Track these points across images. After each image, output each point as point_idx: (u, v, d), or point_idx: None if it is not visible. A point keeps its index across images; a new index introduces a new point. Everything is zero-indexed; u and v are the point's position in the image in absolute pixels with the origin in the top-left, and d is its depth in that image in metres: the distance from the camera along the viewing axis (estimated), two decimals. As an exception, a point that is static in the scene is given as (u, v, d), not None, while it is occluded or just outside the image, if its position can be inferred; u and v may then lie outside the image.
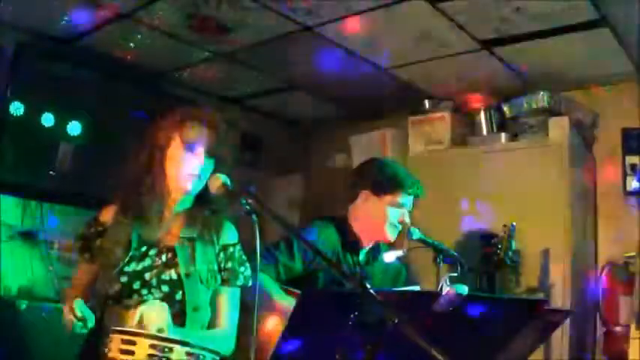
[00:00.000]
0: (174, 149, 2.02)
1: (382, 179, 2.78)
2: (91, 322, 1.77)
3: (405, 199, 2.77)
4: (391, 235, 2.77)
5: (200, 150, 2.03)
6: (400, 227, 2.77)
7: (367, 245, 2.83)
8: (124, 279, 1.94)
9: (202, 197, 2.07)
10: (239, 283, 2.10)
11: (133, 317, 1.79)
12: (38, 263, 4.20)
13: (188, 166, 2.01)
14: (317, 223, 2.77)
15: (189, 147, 2.02)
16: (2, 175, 3.97)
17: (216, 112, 2.19)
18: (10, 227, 4.15)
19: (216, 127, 2.08)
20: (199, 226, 2.08)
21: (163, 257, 2.00)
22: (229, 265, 2.10)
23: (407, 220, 2.77)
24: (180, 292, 1.96)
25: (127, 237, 1.99)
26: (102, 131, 4.30)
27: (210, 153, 2.04)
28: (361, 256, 2.83)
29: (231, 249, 2.12)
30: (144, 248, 2.00)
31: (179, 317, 1.92)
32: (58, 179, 4.15)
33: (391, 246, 2.93)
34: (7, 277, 4.03)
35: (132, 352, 1.65)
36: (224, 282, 2.08)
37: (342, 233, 2.77)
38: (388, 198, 2.74)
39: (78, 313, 1.75)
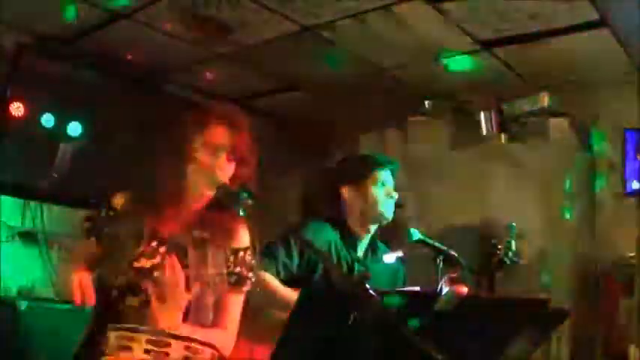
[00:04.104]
0: (197, 153, 1.94)
1: (355, 167, 2.89)
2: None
3: (384, 175, 2.83)
4: (387, 213, 2.81)
5: (223, 154, 1.95)
6: (392, 202, 2.81)
7: (365, 239, 2.85)
8: (131, 274, 1.89)
9: (218, 199, 2.02)
10: (246, 288, 2.06)
11: (144, 315, 1.78)
12: (38, 263, 4.20)
13: (210, 172, 1.93)
14: (313, 223, 2.79)
15: (212, 151, 1.94)
16: (2, 175, 3.97)
17: (241, 111, 2.09)
18: (10, 227, 4.15)
19: (241, 128, 1.98)
20: (213, 227, 2.02)
21: (173, 256, 1.98)
22: (238, 269, 2.05)
23: (394, 194, 2.82)
24: (187, 295, 1.94)
25: (140, 230, 1.94)
26: (102, 131, 4.31)
27: (233, 156, 1.97)
28: (359, 252, 2.85)
29: (241, 253, 2.06)
30: (154, 244, 1.96)
31: (182, 318, 1.91)
32: (58, 179, 4.15)
33: (389, 242, 2.95)
34: (7, 277, 4.03)
35: (129, 348, 1.64)
36: (231, 286, 2.03)
37: (338, 230, 2.80)
38: (368, 181, 2.81)
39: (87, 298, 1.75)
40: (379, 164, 2.86)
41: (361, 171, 2.85)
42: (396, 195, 2.84)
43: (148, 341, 1.64)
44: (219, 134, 1.96)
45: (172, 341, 1.65)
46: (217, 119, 1.98)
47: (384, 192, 2.81)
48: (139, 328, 1.69)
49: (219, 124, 1.97)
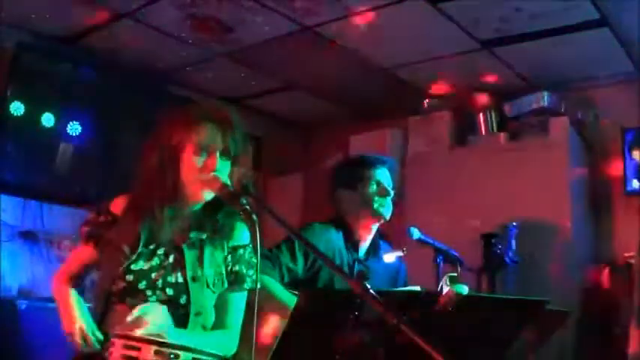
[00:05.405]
0: (188, 153, 1.94)
1: (347, 170, 2.91)
2: (100, 337, 1.78)
3: (377, 175, 2.82)
4: (384, 212, 2.81)
5: (215, 152, 1.94)
6: (388, 200, 2.81)
7: (366, 240, 2.86)
8: (130, 277, 1.87)
9: (214, 198, 1.98)
10: (246, 286, 2.03)
11: (132, 316, 1.77)
12: (38, 263, 4.20)
13: (203, 171, 1.92)
14: (316, 225, 2.80)
15: (204, 150, 1.93)
16: (2, 175, 3.97)
17: (230, 109, 2.09)
18: (10, 227, 4.15)
19: (231, 126, 1.98)
20: (209, 227, 2.00)
21: (171, 258, 1.94)
22: (237, 268, 2.02)
23: (390, 192, 2.82)
24: (185, 297, 1.91)
25: (136, 233, 1.93)
26: (102, 131, 4.30)
27: (225, 154, 1.96)
28: (361, 253, 2.85)
29: (240, 251, 2.05)
30: (152, 246, 1.94)
31: (181, 321, 1.89)
32: (58, 179, 4.15)
33: (390, 242, 2.96)
34: (7, 277, 4.03)
35: (135, 358, 1.62)
36: (231, 285, 2.01)
37: (341, 232, 2.81)
38: (361, 182, 2.83)
39: (91, 339, 1.75)
40: (370, 164, 2.86)
41: (353, 173, 2.86)
42: (392, 193, 2.84)
43: (156, 352, 1.62)
44: (210, 133, 1.96)
45: (180, 353, 1.64)
46: (206, 118, 1.98)
47: (378, 191, 2.82)
48: (147, 339, 1.67)
49: (208, 122, 1.98)
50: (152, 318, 1.76)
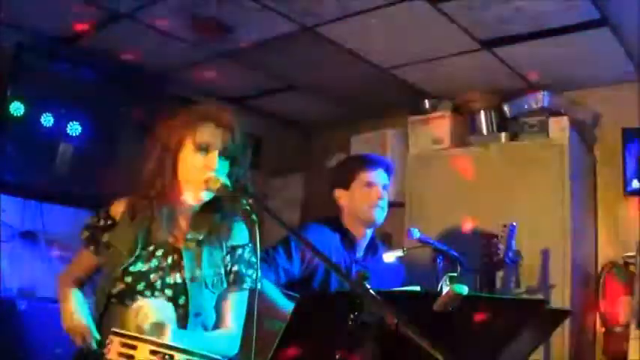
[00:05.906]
0: (187, 152, 1.95)
1: (342, 170, 2.95)
2: (97, 336, 1.78)
3: (371, 176, 2.81)
4: (375, 215, 2.80)
5: (214, 152, 1.95)
6: (382, 204, 2.80)
7: (363, 240, 2.86)
8: (128, 279, 1.89)
9: (212, 198, 1.99)
10: (246, 286, 2.04)
11: (133, 312, 1.77)
12: (38, 263, 4.20)
13: (201, 170, 1.93)
14: (313, 225, 2.80)
15: (203, 149, 1.94)
16: (2, 175, 3.97)
17: (230, 110, 2.07)
18: (10, 227, 4.15)
19: (231, 126, 1.99)
20: (207, 228, 2.01)
21: (169, 259, 1.95)
22: (236, 267, 2.04)
23: (383, 194, 2.81)
24: (184, 297, 1.92)
25: (135, 236, 1.94)
26: (102, 131, 4.30)
27: (224, 154, 1.97)
28: (359, 253, 2.85)
29: (239, 250, 2.06)
30: (151, 248, 1.95)
31: (181, 322, 1.90)
32: (58, 179, 4.15)
33: (389, 244, 2.96)
34: (7, 277, 4.03)
35: (131, 357, 1.63)
36: (231, 285, 2.02)
37: (337, 232, 2.81)
38: (354, 183, 2.81)
39: (89, 336, 1.76)
40: (364, 165, 2.85)
41: (347, 174, 2.87)
42: (384, 195, 2.83)
43: (152, 352, 1.63)
44: (210, 132, 1.96)
45: (176, 354, 1.64)
46: (206, 118, 1.99)
47: (370, 194, 2.80)
48: (143, 338, 1.67)
49: (208, 122, 1.98)
50: (155, 310, 1.76)
